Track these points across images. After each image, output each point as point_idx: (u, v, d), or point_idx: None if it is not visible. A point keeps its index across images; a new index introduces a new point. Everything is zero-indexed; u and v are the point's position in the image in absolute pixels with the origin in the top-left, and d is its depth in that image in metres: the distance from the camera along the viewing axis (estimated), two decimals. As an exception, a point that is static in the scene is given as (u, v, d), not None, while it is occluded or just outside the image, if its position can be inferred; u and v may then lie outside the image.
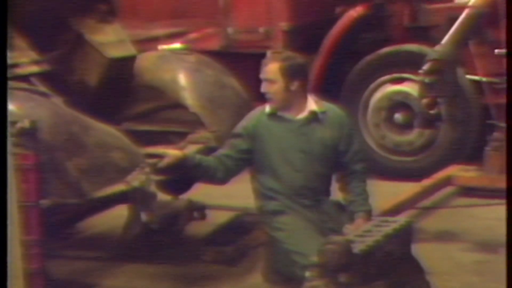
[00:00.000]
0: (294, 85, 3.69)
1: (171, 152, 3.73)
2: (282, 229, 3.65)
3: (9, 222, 3.21)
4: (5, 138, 3.22)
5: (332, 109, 3.82)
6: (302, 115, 3.72)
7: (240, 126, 3.80)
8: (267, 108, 3.76)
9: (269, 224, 3.72)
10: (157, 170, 3.76)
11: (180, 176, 3.98)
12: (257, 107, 3.90)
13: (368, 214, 3.71)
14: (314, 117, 3.73)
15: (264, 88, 3.72)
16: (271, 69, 3.69)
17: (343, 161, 3.77)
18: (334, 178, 3.85)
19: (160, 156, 3.71)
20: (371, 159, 6.43)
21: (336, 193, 3.89)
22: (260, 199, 3.80)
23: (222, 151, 3.78)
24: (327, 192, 3.81)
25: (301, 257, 3.46)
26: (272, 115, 3.74)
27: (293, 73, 3.68)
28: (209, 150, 4.13)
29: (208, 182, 3.94)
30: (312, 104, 3.76)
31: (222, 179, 3.79)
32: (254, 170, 3.79)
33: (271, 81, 3.69)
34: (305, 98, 3.75)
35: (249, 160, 3.77)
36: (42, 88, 4.23)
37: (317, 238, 3.48)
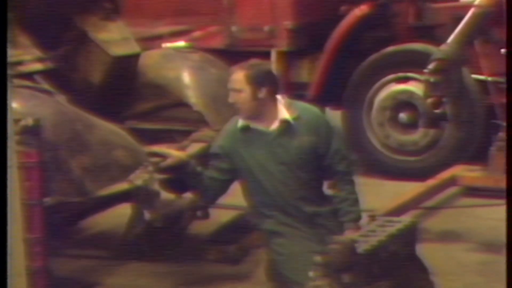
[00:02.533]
0: (262, 93, 3.55)
1: (175, 153, 3.69)
2: (280, 253, 3.58)
3: (9, 220, 3.21)
4: (5, 136, 3.21)
5: (305, 111, 3.66)
6: (275, 125, 3.59)
7: (216, 146, 3.70)
8: (239, 122, 3.63)
9: (267, 244, 3.66)
10: (160, 170, 3.73)
11: (183, 175, 3.96)
12: (226, 124, 3.76)
13: (356, 223, 3.59)
14: (287, 126, 3.59)
15: (231, 98, 3.59)
16: (237, 78, 3.57)
17: (325, 164, 3.62)
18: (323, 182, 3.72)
19: (163, 156, 3.69)
20: (375, 159, 6.44)
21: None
22: (255, 217, 3.73)
23: (207, 173, 3.69)
24: (319, 198, 3.67)
25: (299, 287, 3.39)
26: (245, 129, 3.61)
27: (259, 80, 3.55)
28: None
29: (197, 194, 3.86)
30: (282, 111, 3.60)
31: (211, 199, 3.77)
32: (243, 186, 3.72)
33: (237, 91, 3.56)
34: (275, 106, 3.61)
35: (233, 178, 3.70)
36: (45, 86, 4.23)
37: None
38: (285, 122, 3.59)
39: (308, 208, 3.62)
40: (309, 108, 3.71)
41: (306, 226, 3.62)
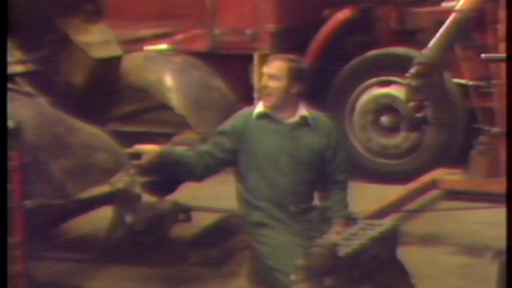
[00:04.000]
0: (295, 88, 3.68)
1: (148, 148, 3.69)
2: (265, 243, 3.61)
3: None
4: (5, 139, 3.20)
5: (320, 117, 3.82)
6: (293, 119, 3.71)
7: (228, 125, 3.77)
8: (259, 107, 3.73)
9: (253, 235, 3.68)
10: (139, 169, 3.73)
11: (165, 178, 3.95)
12: (244, 108, 3.88)
13: (346, 221, 3.67)
14: (304, 122, 3.72)
15: (265, 82, 3.69)
16: (280, 66, 3.67)
17: (328, 170, 3.75)
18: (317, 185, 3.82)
19: (138, 154, 3.68)
20: (357, 162, 6.46)
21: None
22: (243, 208, 3.76)
23: (205, 147, 3.75)
24: (311, 199, 3.78)
25: (283, 276, 3.44)
26: (263, 115, 3.71)
27: (298, 76, 3.68)
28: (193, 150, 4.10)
29: (186, 178, 3.93)
30: (303, 109, 3.75)
31: (200, 176, 3.75)
32: (239, 171, 3.76)
33: (275, 78, 3.66)
34: (298, 103, 3.74)
35: (230, 161, 3.73)
36: (27, 88, 4.20)
37: (301, 254, 3.44)
38: (303, 118, 3.72)
39: (300, 204, 3.70)
40: (323, 116, 3.86)
41: (294, 222, 3.67)
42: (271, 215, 3.66)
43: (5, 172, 3.20)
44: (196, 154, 3.71)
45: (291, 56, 3.76)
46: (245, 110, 3.83)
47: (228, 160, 3.74)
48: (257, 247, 3.65)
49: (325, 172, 3.76)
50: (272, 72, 3.68)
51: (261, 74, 3.78)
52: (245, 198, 3.73)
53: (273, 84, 3.67)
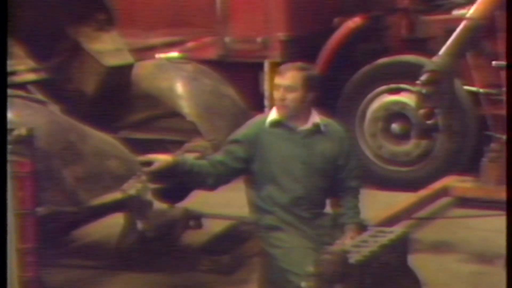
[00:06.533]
0: (309, 97, 3.69)
1: (161, 158, 3.70)
2: (278, 246, 3.62)
3: (8, 230, 3.21)
4: (5, 145, 3.22)
5: (332, 124, 3.83)
6: (306, 126, 3.71)
7: (241, 133, 3.77)
8: (272, 115, 3.73)
9: (265, 239, 3.69)
10: (148, 176, 3.74)
11: (176, 184, 3.97)
12: (254, 116, 3.89)
13: (359, 227, 3.67)
14: (317, 129, 3.73)
15: (280, 94, 3.67)
16: (294, 76, 3.66)
17: (340, 177, 3.76)
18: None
19: (150, 163, 3.70)
20: (367, 169, 6.46)
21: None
22: (255, 212, 3.76)
23: (217, 156, 3.74)
24: (323, 205, 3.79)
25: (296, 277, 3.43)
26: (276, 123, 3.71)
27: (312, 84, 3.68)
28: (205, 159, 4.12)
29: (197, 187, 3.94)
30: (315, 116, 3.75)
31: (212, 186, 3.74)
32: (252, 179, 3.77)
33: (290, 89, 3.65)
34: (311, 111, 3.75)
35: (243, 169, 3.73)
36: (39, 96, 4.23)
37: (313, 256, 3.45)
38: (316, 126, 3.73)
39: (312, 211, 3.71)
40: (335, 123, 3.86)
41: (306, 226, 3.68)
42: (283, 220, 3.67)
43: (5, 179, 3.22)
44: (208, 164, 3.70)
45: (303, 65, 3.75)
46: (257, 118, 3.83)
47: (241, 169, 3.73)
48: (270, 250, 3.65)
49: (337, 179, 3.76)
50: (288, 83, 3.65)
51: (274, 85, 3.74)
52: (258, 204, 3.74)
53: (289, 95, 3.65)
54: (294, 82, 3.65)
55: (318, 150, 3.71)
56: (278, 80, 3.70)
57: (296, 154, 3.68)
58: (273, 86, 3.76)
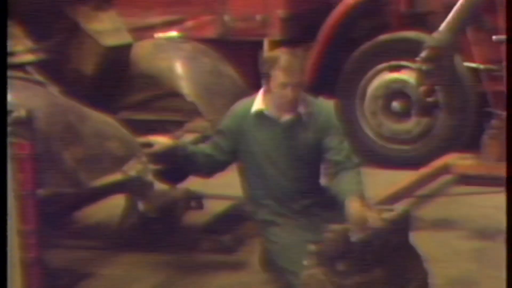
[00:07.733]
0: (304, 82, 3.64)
1: (161, 140, 3.69)
2: (275, 242, 3.57)
3: (9, 211, 3.21)
4: (5, 128, 3.20)
5: (319, 108, 3.63)
6: (288, 117, 3.58)
7: (224, 124, 3.70)
8: (258, 104, 3.61)
9: (262, 233, 3.66)
10: (151, 157, 3.74)
11: (177, 166, 3.96)
12: (237, 103, 3.75)
13: (361, 197, 3.40)
14: (298, 119, 3.59)
15: (290, 93, 3.51)
16: (300, 72, 3.57)
17: (334, 158, 3.54)
18: (323, 178, 3.67)
19: (150, 144, 3.69)
20: (368, 148, 6.45)
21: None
22: (250, 204, 3.74)
23: (207, 148, 3.71)
24: (316, 194, 3.65)
25: (293, 276, 3.40)
26: (259, 114, 3.60)
27: (303, 69, 3.66)
28: (205, 139, 4.11)
29: (193, 174, 3.95)
30: (302, 103, 3.59)
31: (207, 174, 3.80)
32: (242, 170, 3.73)
33: (299, 84, 3.53)
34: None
35: (232, 160, 3.72)
36: (38, 77, 4.21)
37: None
38: (297, 116, 3.59)
39: (304, 201, 3.64)
40: (323, 107, 3.66)
41: (301, 216, 3.62)
42: (278, 212, 3.62)
43: (5, 162, 3.21)
44: (204, 154, 3.70)
45: (293, 51, 3.59)
46: (238, 106, 3.71)
47: (230, 160, 3.72)
48: (267, 245, 3.63)
49: (329, 162, 3.58)
50: (297, 80, 3.52)
51: (280, 84, 3.52)
52: (250, 195, 3.72)
53: (296, 91, 3.51)
54: (300, 78, 3.55)
55: (301, 140, 3.58)
56: (287, 79, 3.48)
57: (279, 146, 3.59)
58: (276, 85, 3.54)
